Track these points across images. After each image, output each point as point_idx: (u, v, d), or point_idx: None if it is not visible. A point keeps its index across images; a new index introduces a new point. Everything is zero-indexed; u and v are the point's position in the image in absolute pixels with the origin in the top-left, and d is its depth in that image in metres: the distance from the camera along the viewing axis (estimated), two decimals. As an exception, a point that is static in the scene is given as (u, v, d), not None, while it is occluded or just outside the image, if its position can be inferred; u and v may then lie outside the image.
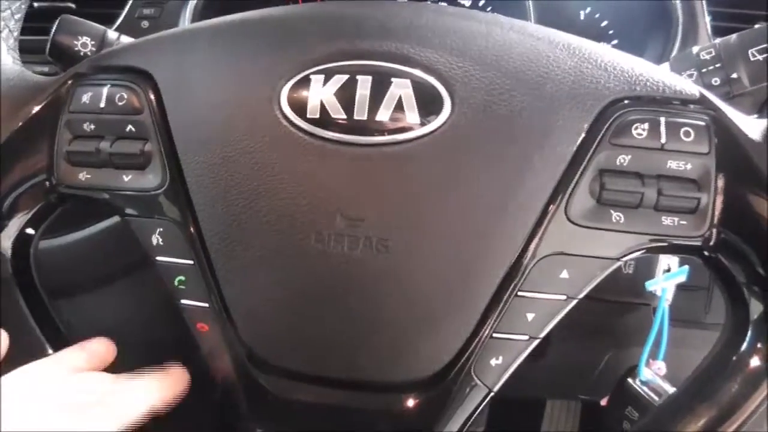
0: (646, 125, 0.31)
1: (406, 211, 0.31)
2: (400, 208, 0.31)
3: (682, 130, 0.31)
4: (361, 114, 0.31)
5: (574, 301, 0.32)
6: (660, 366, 0.53)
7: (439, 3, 0.73)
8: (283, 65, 0.32)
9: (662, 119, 0.32)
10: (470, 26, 0.33)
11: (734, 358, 0.33)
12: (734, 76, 0.44)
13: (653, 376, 0.53)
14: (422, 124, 0.31)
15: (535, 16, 0.69)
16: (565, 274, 0.32)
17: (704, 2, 0.62)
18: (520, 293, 0.32)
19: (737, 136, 0.32)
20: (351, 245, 0.31)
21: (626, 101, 0.32)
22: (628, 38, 0.70)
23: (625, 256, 0.32)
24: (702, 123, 0.32)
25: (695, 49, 0.46)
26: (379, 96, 0.31)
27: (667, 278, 0.44)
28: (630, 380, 0.54)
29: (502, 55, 0.32)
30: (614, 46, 0.71)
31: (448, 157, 0.31)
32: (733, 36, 0.45)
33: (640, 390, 0.53)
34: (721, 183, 0.31)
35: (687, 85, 0.33)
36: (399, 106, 0.31)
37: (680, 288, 0.50)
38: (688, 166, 0.31)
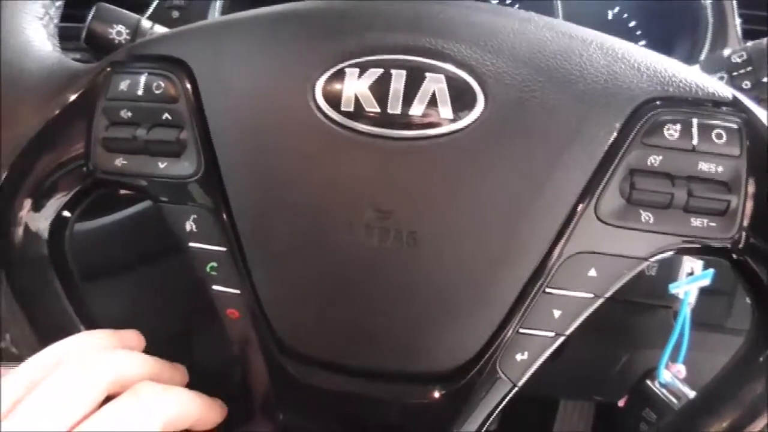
0: (678, 126, 0.31)
1: (436, 205, 0.31)
2: (431, 201, 0.31)
3: (714, 132, 0.32)
4: (394, 108, 0.31)
5: (601, 300, 0.33)
6: (680, 369, 0.53)
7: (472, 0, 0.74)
8: (318, 57, 0.33)
9: (694, 120, 0.32)
10: (504, 23, 0.33)
11: (760, 359, 0.33)
12: (765, 80, 0.44)
13: (672, 379, 0.53)
14: (455, 119, 0.31)
15: (563, 16, 0.69)
16: (593, 273, 0.32)
17: (735, 4, 0.61)
18: (547, 290, 0.32)
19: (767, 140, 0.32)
20: (381, 237, 0.32)
21: (659, 101, 0.32)
22: (657, 39, 0.70)
23: (653, 256, 0.32)
24: (734, 126, 0.32)
25: (726, 52, 0.46)
26: (413, 90, 0.31)
27: (691, 281, 0.44)
28: (649, 382, 0.54)
29: (535, 52, 0.32)
30: (642, 46, 0.71)
31: (479, 153, 0.31)
32: (765, 39, 0.45)
33: (659, 392, 0.53)
34: (751, 186, 0.31)
35: (720, 87, 0.33)
36: (432, 101, 0.31)
37: (702, 292, 0.50)
38: (719, 169, 0.31)
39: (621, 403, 0.57)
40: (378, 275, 0.32)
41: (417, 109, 0.31)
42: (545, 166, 0.31)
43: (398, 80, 0.32)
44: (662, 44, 0.68)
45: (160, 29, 0.47)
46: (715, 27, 0.60)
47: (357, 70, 0.32)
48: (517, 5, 0.72)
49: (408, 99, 0.31)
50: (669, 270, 0.50)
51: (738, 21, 0.60)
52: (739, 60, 0.44)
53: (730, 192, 0.31)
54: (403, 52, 0.32)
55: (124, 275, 0.58)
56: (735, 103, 0.33)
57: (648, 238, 0.32)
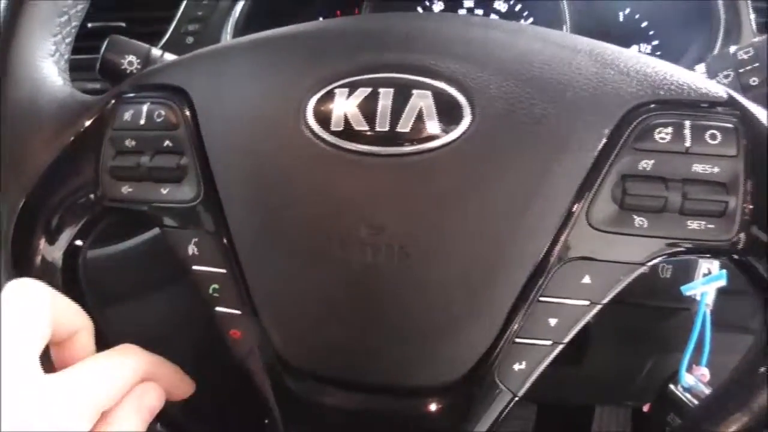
0: (670, 129, 0.31)
1: (427, 219, 0.32)
2: (421, 216, 0.32)
3: (708, 132, 0.31)
4: (383, 126, 0.32)
5: (599, 306, 0.32)
6: (704, 372, 0.51)
7: (474, 11, 0.74)
8: (309, 80, 0.34)
9: (687, 122, 0.31)
10: (492, 36, 0.34)
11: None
12: (775, 74, 0.43)
13: (696, 382, 0.52)
14: (443, 134, 0.32)
15: (573, 19, 0.69)
16: (587, 280, 0.32)
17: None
18: (542, 299, 0.32)
19: (767, 138, 0.31)
20: (374, 253, 0.32)
21: (650, 105, 0.32)
22: (669, 38, 0.69)
23: (649, 260, 0.32)
24: (729, 125, 0.31)
25: (732, 49, 0.45)
26: (401, 107, 0.32)
27: (705, 282, 0.43)
28: (672, 386, 0.53)
29: (523, 63, 0.33)
30: (655, 46, 0.70)
31: (468, 165, 0.32)
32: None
33: (682, 396, 0.52)
34: (750, 185, 0.31)
35: (713, 87, 0.32)
36: (420, 117, 0.32)
37: (724, 292, 0.49)
38: (715, 169, 0.31)
39: (646, 408, 0.56)
40: (373, 290, 0.33)
41: (405, 126, 0.32)
42: (534, 175, 0.31)
43: (386, 98, 0.32)
44: (675, 44, 0.67)
45: (169, 57, 0.49)
46: (728, 24, 0.59)
47: (346, 90, 0.33)
48: (525, 11, 0.72)
49: (395, 116, 0.32)
50: (687, 271, 0.49)
51: (753, 17, 0.59)
52: (745, 56, 0.44)
53: (728, 192, 0.31)
54: (391, 71, 0.33)
55: (140, 299, 0.59)
56: (730, 103, 0.32)
57: (643, 243, 0.32)
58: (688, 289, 0.44)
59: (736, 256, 0.32)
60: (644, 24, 0.70)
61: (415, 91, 0.32)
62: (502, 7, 0.73)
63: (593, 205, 0.31)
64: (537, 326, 0.32)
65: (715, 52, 0.59)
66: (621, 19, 0.70)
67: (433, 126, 0.32)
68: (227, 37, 0.69)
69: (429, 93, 0.32)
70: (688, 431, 0.37)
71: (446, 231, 0.32)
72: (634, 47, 0.70)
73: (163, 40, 0.68)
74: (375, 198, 0.32)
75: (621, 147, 0.31)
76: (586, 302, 0.32)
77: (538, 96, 0.32)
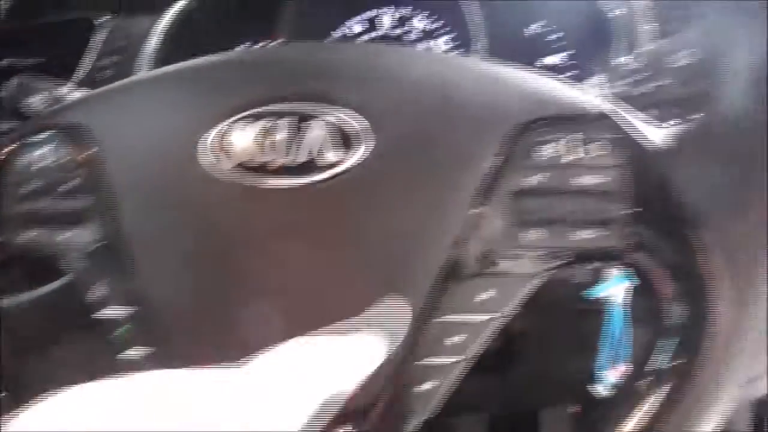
0: (554, 144, 0.33)
1: (326, 247, 0.32)
2: (322, 244, 0.32)
3: (590, 145, 0.33)
4: (279, 157, 0.32)
5: (502, 319, 0.33)
6: (623, 369, 0.53)
7: (394, 30, 0.76)
8: (206, 115, 0.34)
9: (570, 137, 0.33)
10: (384, 62, 0.35)
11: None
12: (663, 83, 0.45)
13: (619, 380, 0.53)
14: (340, 161, 0.32)
15: (488, 34, 0.71)
16: (486, 294, 0.33)
17: (647, 7, 0.63)
18: (443, 317, 0.33)
19: (644, 147, 0.33)
20: (276, 286, 0.33)
21: (534, 123, 0.33)
22: (582, 49, 0.72)
23: (545, 272, 0.33)
24: (610, 136, 0.33)
25: (626, 59, 0.47)
26: (296, 138, 0.33)
27: (602, 289, 0.45)
28: (592, 386, 0.55)
29: (415, 88, 0.34)
30: (570, 56, 0.73)
31: (366, 191, 0.33)
32: (660, 42, 0.46)
33: (602, 395, 0.53)
34: (632, 193, 0.33)
35: (593, 101, 0.34)
36: (316, 146, 0.33)
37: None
38: (599, 180, 0.33)
39: (574, 410, 0.58)
40: (277, 321, 0.33)
41: (301, 156, 0.32)
42: (430, 196, 0.33)
43: (281, 129, 0.33)
44: (588, 54, 0.70)
45: (77, 95, 0.48)
46: (627, 33, 0.62)
47: (243, 123, 0.33)
48: (443, 28, 0.74)
49: (291, 147, 0.33)
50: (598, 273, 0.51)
51: (650, 25, 0.62)
52: (637, 66, 0.46)
53: (613, 201, 0.33)
54: (286, 101, 0.34)
55: (52, 347, 0.58)
56: (608, 116, 0.34)
57: (537, 255, 0.33)
58: (590, 295, 0.45)
59: (627, 261, 0.34)
60: (557, 35, 0.72)
61: (311, 120, 0.33)
62: (420, 25, 0.75)
63: (486, 221, 0.33)
64: (440, 345, 0.33)
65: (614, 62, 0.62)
66: (534, 31, 0.73)
67: (329, 154, 0.33)
68: (144, 70, 0.68)
69: (324, 121, 0.33)
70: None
71: (345, 257, 0.33)
72: (549, 58, 0.73)
73: (79, 76, 0.67)
74: (272, 231, 0.33)
75: (510, 164, 0.33)
76: (488, 316, 0.33)
77: (429, 119, 0.33)
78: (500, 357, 0.61)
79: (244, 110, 0.34)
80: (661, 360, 0.35)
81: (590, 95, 0.35)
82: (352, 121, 0.33)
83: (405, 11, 0.76)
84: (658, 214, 0.33)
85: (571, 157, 0.33)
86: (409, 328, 0.33)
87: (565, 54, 0.73)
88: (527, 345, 0.59)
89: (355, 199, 0.32)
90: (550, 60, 0.73)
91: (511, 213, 0.33)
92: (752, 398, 0.69)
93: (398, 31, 0.76)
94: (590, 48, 0.70)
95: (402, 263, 0.33)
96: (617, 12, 0.63)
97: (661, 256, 0.33)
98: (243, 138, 0.33)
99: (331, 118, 0.33)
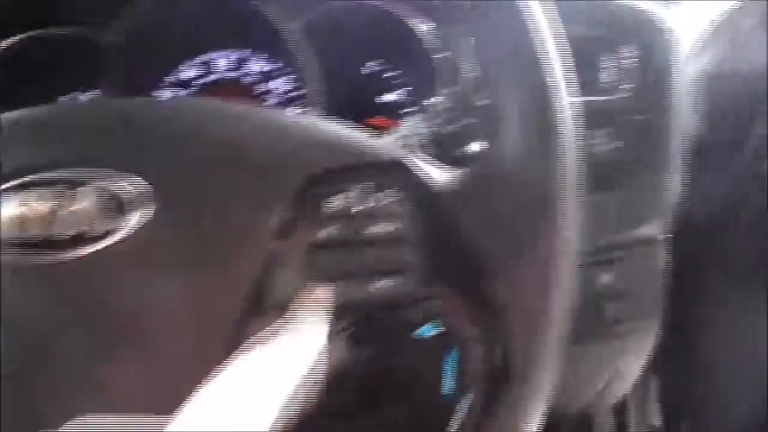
0: (345, 195, 0.32)
1: (103, 325, 0.30)
2: (95, 322, 0.30)
3: (380, 194, 0.33)
4: (42, 230, 0.30)
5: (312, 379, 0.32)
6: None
7: (226, 75, 0.74)
8: None
9: (360, 186, 0.32)
10: (159, 115, 0.33)
11: None
12: (467, 122, 0.47)
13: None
14: (110, 232, 0.30)
15: (322, 73, 0.71)
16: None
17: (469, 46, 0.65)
18: None
19: (433, 191, 0.33)
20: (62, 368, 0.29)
21: (323, 174, 0.32)
22: (418, 85, 0.73)
23: (344, 329, 0.32)
24: (401, 184, 0.33)
25: (434, 99, 0.48)
26: (64, 207, 0.30)
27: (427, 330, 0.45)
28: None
29: (193, 143, 0.32)
30: (407, 93, 0.74)
31: (142, 263, 0.30)
32: (461, 82, 0.48)
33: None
34: (424, 240, 0.33)
35: (383, 148, 0.34)
36: (83, 216, 0.30)
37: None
38: (391, 228, 0.32)
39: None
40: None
41: (67, 228, 0.30)
42: (215, 264, 0.31)
43: (43, 198, 0.30)
44: (425, 90, 0.72)
45: None
46: (443, 70, 0.64)
47: (7, 194, 0.30)
48: (275, 72, 0.73)
49: (54, 218, 0.30)
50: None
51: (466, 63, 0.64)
52: (443, 106, 0.47)
53: (407, 249, 0.32)
54: (50, 168, 0.31)
55: None
56: (398, 162, 0.34)
57: (334, 313, 0.32)
58: (418, 335, 0.45)
59: (426, 307, 0.34)
60: (393, 73, 0.73)
61: (79, 187, 0.30)
62: (257, 67, 0.74)
63: (279, 282, 0.31)
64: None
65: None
66: (368, 70, 0.73)
67: (99, 224, 0.30)
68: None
69: (91, 188, 0.30)
70: None
71: (123, 333, 0.30)
72: (387, 96, 0.74)
73: None
74: (47, 309, 0.30)
75: (300, 218, 0.32)
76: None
77: (209, 176, 0.31)
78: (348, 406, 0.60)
79: (10, 180, 0.31)
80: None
81: (385, 141, 0.35)
82: (124, 187, 0.31)
83: (241, 54, 0.75)
84: (450, 259, 0.33)
85: (361, 207, 0.32)
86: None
87: (403, 90, 0.74)
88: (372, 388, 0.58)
89: (129, 275, 0.30)
90: (388, 97, 0.74)
91: (307, 270, 0.31)
92: (611, 400, 0.73)
93: (235, 74, 0.74)
94: (425, 84, 0.71)
95: (192, 336, 0.30)
96: (442, 54, 0.64)
97: (457, 297, 0.34)
98: (7, 211, 0.30)
99: (102, 184, 0.30)
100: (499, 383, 0.34)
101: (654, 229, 0.56)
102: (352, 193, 0.32)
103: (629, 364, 0.63)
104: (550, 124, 0.33)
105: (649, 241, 0.57)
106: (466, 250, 0.33)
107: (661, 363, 0.67)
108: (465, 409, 0.35)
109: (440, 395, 0.54)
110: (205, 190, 0.31)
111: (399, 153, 0.34)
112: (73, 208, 0.30)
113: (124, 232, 0.30)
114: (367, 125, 0.72)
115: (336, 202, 0.32)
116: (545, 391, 0.34)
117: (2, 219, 0.30)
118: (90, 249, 0.30)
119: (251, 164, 0.32)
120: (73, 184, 0.30)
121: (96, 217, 0.30)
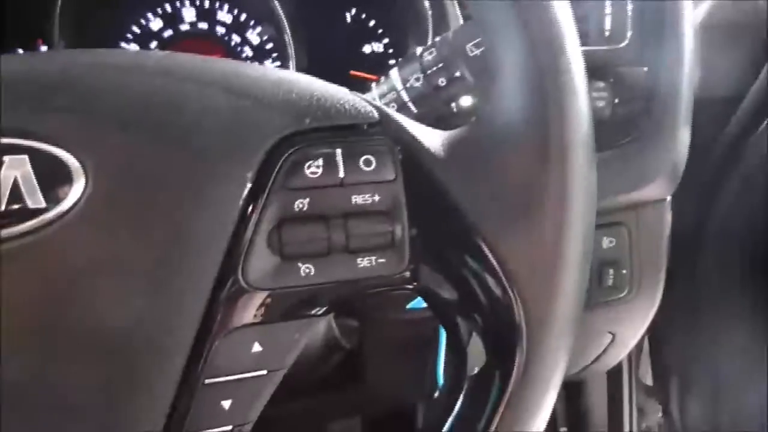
0: (320, 161, 0.28)
1: (42, 318, 0.26)
2: (34, 315, 0.26)
3: (362, 158, 0.28)
4: None
5: (281, 371, 0.29)
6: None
7: (197, 25, 0.68)
8: None
9: (338, 151, 0.28)
10: (102, 77, 0.28)
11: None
12: (457, 74, 0.42)
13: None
14: (50, 207, 0.26)
15: (300, 22, 0.65)
16: (258, 347, 0.28)
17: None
18: (207, 381, 0.27)
19: (422, 156, 0.29)
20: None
21: (296, 137, 0.28)
22: (398, 36, 0.68)
23: (326, 310, 0.29)
24: (383, 147, 0.29)
25: (418, 50, 0.44)
26: None
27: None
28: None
29: (140, 107, 0.27)
30: (385, 45, 0.69)
31: (87, 242, 0.26)
32: (450, 32, 0.43)
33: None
34: (412, 209, 0.29)
35: (364, 107, 0.30)
36: (15, 190, 0.25)
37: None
38: (375, 198, 0.28)
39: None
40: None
41: None
42: (172, 241, 0.26)
43: None
44: (405, 42, 0.67)
45: None
46: (435, 18, 0.59)
47: None
48: (250, 20, 0.68)
49: None
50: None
51: (458, 10, 0.59)
52: (430, 57, 0.43)
53: (393, 222, 0.29)
54: None
55: None
56: (383, 122, 0.30)
57: (313, 293, 0.28)
58: (412, 307, 0.42)
59: (416, 284, 0.30)
60: (372, 23, 0.68)
61: (6, 158, 0.26)
62: (227, 18, 0.68)
63: (248, 261, 0.27)
64: (210, 414, 0.28)
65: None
66: (348, 20, 0.68)
67: (35, 198, 0.26)
68: None
69: (25, 158, 0.26)
70: None
71: (73, 323, 0.26)
72: (367, 47, 0.69)
73: None
74: None
75: (270, 189, 0.27)
76: (263, 372, 0.28)
77: (162, 147, 0.27)
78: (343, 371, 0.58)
79: None
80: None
81: (366, 98, 0.31)
82: (64, 155, 0.26)
83: (209, 3, 0.69)
84: (439, 230, 0.29)
85: (343, 174, 0.28)
86: (171, 400, 0.27)
87: (387, 41, 0.69)
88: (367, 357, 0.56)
89: (74, 256, 0.26)
90: (370, 47, 0.69)
91: (279, 246, 0.27)
92: (608, 366, 0.72)
93: (203, 26, 0.68)
94: (410, 34, 0.66)
95: (149, 326, 0.27)
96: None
97: (445, 273, 0.30)
98: None
99: (36, 153, 0.26)
100: (507, 360, 0.30)
101: (658, 189, 0.52)
102: (332, 158, 0.28)
103: (628, 331, 0.60)
104: (555, 76, 0.29)
105: (654, 203, 0.53)
106: (462, 221, 0.29)
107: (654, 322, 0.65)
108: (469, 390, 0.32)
109: (436, 372, 0.52)
110: (152, 161, 0.27)
111: (384, 111, 0.30)
112: (12, 179, 0.25)
113: (64, 206, 0.26)
114: (349, 78, 0.68)
115: (311, 169, 0.28)
116: (560, 370, 0.31)
117: None
118: (27, 225, 0.25)
119: (207, 129, 0.27)
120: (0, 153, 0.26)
121: (31, 190, 0.25)
